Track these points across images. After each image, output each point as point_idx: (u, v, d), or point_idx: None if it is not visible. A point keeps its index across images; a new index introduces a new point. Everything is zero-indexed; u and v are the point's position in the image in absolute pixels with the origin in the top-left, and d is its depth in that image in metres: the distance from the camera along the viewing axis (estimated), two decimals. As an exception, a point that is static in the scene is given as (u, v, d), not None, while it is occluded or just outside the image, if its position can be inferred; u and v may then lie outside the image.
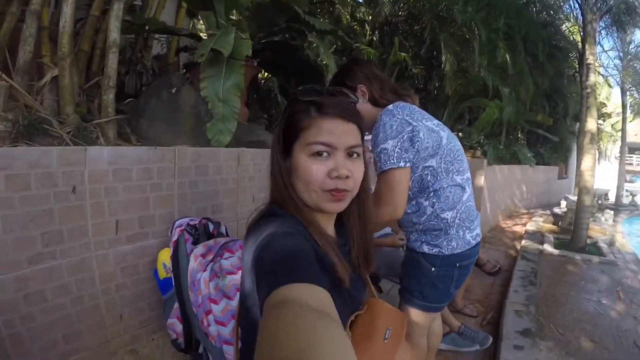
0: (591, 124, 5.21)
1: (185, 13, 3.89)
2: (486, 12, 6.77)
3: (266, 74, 4.57)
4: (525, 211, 9.47)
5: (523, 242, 5.66)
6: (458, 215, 1.42)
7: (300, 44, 3.27)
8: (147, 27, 3.08)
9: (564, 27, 9.66)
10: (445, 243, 1.42)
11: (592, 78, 5.32)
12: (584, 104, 7.76)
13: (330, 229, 0.89)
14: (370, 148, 1.42)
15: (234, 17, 3.28)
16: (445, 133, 1.42)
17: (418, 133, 1.33)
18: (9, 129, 1.79)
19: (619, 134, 16.43)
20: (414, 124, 1.33)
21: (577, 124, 12.30)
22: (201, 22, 3.62)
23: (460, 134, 6.92)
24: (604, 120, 15.83)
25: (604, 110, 14.72)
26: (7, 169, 1.48)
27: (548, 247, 5.34)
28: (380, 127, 1.35)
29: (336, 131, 0.79)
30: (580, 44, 7.16)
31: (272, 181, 0.84)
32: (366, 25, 7.01)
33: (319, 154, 0.78)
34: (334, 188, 0.78)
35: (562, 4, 8.40)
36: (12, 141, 1.78)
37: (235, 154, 2.26)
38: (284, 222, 0.76)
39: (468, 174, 1.49)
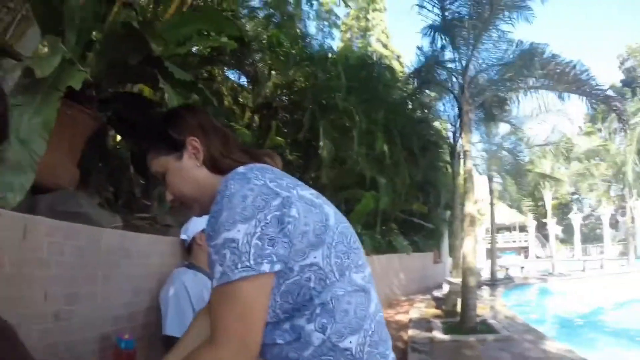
0: (470, 207, 5.43)
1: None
2: (367, 105, 7.18)
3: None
4: (404, 298, 9.59)
5: (410, 331, 5.42)
6: (367, 339, 0.87)
7: (157, 100, 2.68)
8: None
9: (436, 123, 10.98)
10: None
11: (469, 164, 5.70)
12: (456, 191, 8.47)
13: None
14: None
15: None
16: (331, 209, 0.92)
17: (289, 209, 0.80)
18: None
19: (484, 217, 18.84)
20: (285, 194, 0.82)
21: (448, 212, 13.56)
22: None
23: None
24: (471, 205, 17.99)
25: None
26: None
27: (438, 334, 5.13)
28: (224, 203, 0.80)
29: None
30: (451, 137, 7.99)
31: None
32: (246, 109, 6.92)
33: None
34: None
35: (435, 103, 9.56)
36: None
37: (21, 224, 1.42)
38: None
39: (369, 269, 0.96)
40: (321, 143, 6.02)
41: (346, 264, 0.87)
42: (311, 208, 0.86)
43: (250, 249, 0.77)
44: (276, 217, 0.79)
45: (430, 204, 11.97)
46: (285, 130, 6.75)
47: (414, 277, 11.29)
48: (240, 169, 0.86)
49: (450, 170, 11.62)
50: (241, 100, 7.07)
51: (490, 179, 14.51)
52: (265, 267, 0.77)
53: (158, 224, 2.59)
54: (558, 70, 6.98)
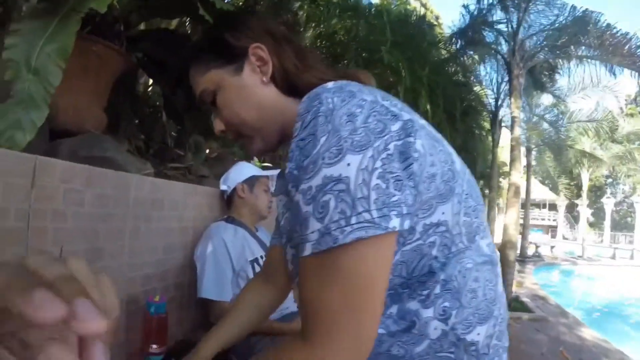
0: (515, 176, 5.06)
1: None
2: (410, 62, 6.73)
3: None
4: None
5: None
6: (497, 329, 0.63)
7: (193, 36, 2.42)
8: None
9: (476, 88, 10.41)
10: None
11: (517, 131, 5.26)
12: (494, 161, 8.04)
13: None
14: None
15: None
16: (452, 149, 0.66)
17: (415, 139, 0.54)
18: None
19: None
20: (406, 116, 0.55)
21: (481, 182, 13.04)
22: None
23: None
24: (504, 178, 17.25)
25: (504, 169, 16.08)
26: None
27: (474, 307, 4.95)
28: (318, 124, 0.52)
29: None
30: (493, 103, 7.48)
31: None
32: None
33: None
34: None
35: (477, 67, 9.08)
36: None
37: (30, 165, 1.18)
38: None
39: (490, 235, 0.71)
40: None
41: (475, 225, 0.61)
42: (435, 143, 0.58)
43: (369, 192, 0.49)
44: (398, 148, 0.51)
45: (467, 172, 11.54)
46: (326, 83, 6.46)
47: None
48: (331, 84, 0.56)
49: (488, 138, 11.05)
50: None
51: (529, 151, 13.77)
52: (395, 222, 0.50)
53: (192, 174, 2.37)
54: (613, 42, 6.46)
